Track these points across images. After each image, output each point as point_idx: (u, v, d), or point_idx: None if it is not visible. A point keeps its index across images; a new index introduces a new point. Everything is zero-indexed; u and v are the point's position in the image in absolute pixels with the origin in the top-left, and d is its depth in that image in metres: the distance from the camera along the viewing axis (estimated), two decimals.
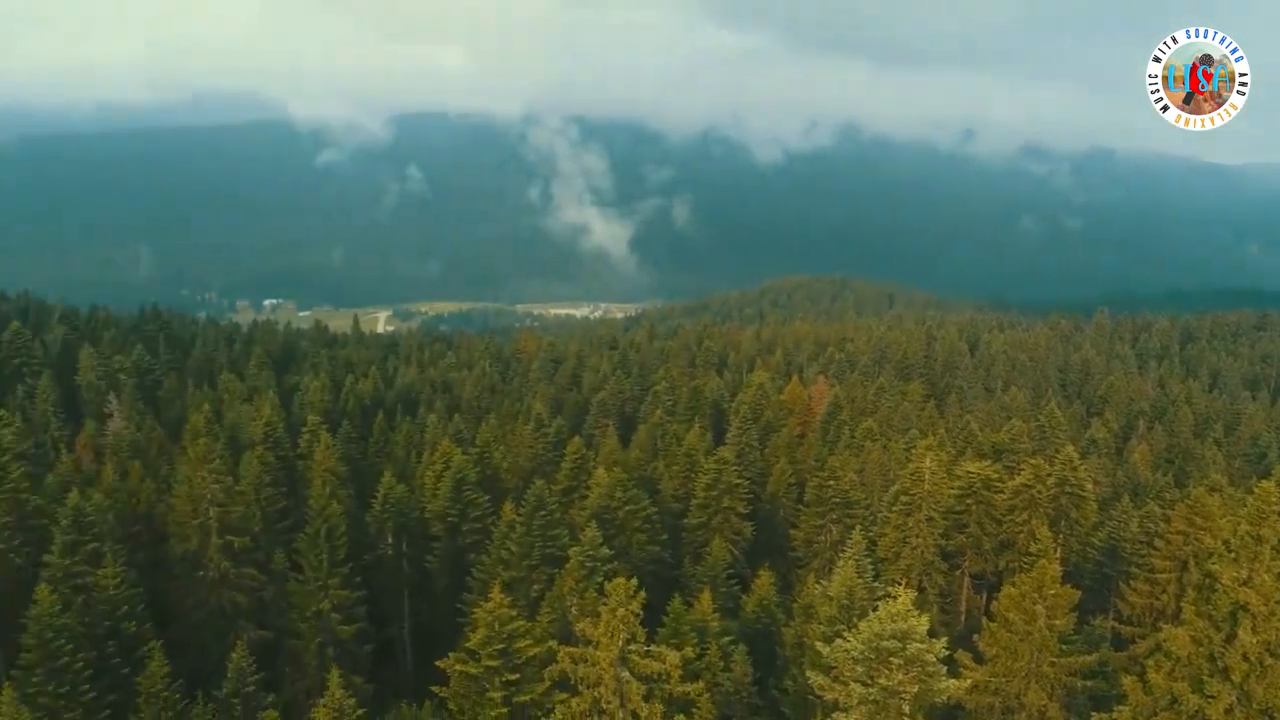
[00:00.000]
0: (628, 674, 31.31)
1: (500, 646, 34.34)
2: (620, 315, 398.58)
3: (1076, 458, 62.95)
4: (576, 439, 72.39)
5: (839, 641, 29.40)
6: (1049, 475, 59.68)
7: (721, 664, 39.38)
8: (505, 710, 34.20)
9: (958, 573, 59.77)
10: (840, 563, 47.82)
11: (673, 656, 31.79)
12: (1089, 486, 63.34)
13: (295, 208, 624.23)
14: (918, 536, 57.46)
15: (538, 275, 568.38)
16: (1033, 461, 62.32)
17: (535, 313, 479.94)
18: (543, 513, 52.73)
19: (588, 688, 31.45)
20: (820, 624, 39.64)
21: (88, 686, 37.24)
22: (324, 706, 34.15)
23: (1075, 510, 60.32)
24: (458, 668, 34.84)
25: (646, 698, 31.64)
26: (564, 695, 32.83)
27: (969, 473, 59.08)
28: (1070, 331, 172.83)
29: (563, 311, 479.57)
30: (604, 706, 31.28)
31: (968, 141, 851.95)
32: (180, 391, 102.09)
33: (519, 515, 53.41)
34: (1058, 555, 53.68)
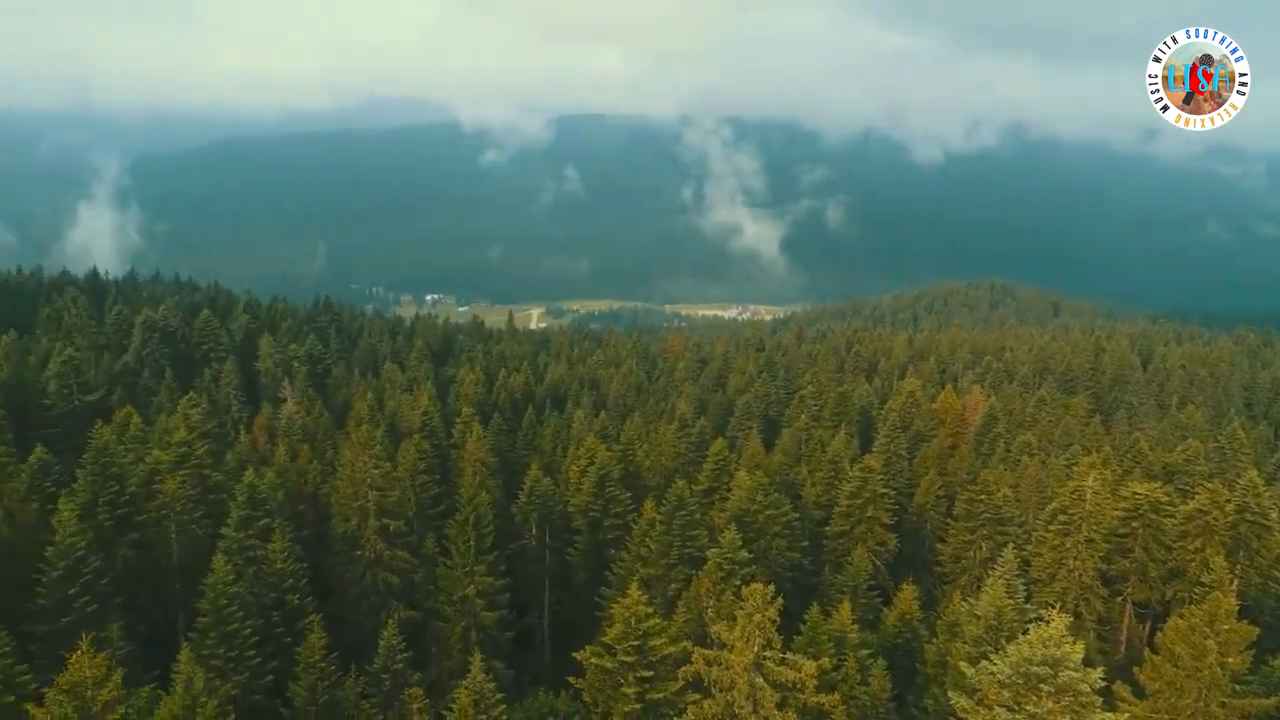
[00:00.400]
0: (762, 680, 31.00)
1: (636, 643, 34.68)
2: (768, 317, 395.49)
3: (1261, 483, 57.82)
4: (719, 440, 72.26)
5: (985, 663, 28.15)
6: (1228, 501, 55.19)
7: (859, 677, 38.45)
8: (638, 706, 34.48)
9: (1119, 599, 56.18)
10: (989, 581, 45.91)
11: (809, 666, 31.27)
12: (1274, 515, 58.15)
13: (458, 207, 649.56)
14: (1076, 558, 54.37)
15: (688, 275, 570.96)
16: (1210, 485, 57.85)
17: (683, 313, 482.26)
18: (683, 513, 52.90)
19: (721, 691, 31.33)
20: (965, 643, 38.17)
21: (254, 652, 39.94)
22: (465, 689, 35.42)
23: (1256, 540, 55.44)
24: (594, 661, 35.40)
25: (780, 706, 31.23)
26: (696, 696, 32.84)
27: (1136, 494, 55.37)
28: (1258, 346, 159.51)
29: (711, 312, 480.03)
30: (736, 711, 31.07)
31: (1148, 141, 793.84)
32: (347, 379, 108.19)
33: (659, 514, 53.75)
34: (1234, 587, 49.61)
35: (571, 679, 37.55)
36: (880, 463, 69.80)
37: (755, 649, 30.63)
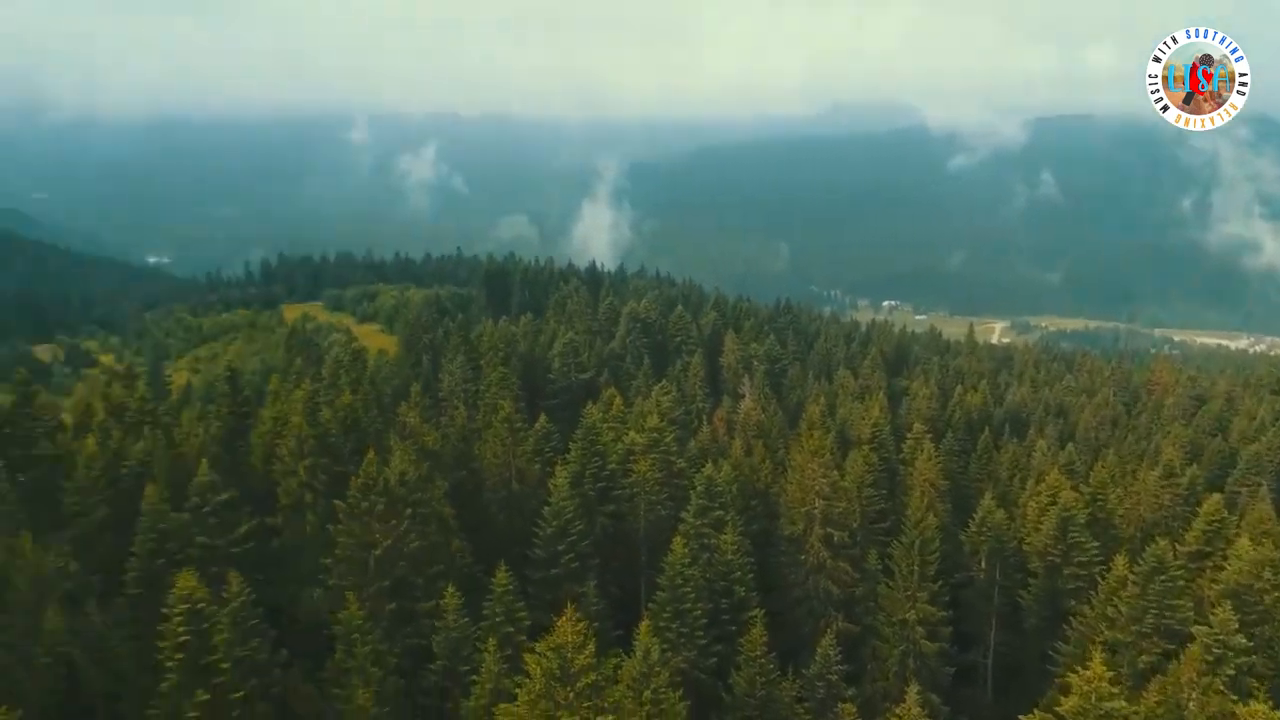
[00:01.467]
0: None
1: None
2: None
3: None
4: (1216, 496, 61.98)
5: None
6: None
7: None
8: None
9: None
10: None
11: None
12: None
13: (921, 212, 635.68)
14: None
15: (1182, 296, 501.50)
16: None
17: (1175, 339, 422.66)
18: (1163, 576, 46.41)
19: None
20: None
21: (702, 634, 42.88)
22: (899, 717, 34.64)
23: None
24: None
25: None
26: None
27: None
28: None
29: (1212, 341, 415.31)
30: None
31: None
32: (801, 381, 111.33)
33: (1134, 573, 47.75)
34: None
35: None
36: None
37: None
